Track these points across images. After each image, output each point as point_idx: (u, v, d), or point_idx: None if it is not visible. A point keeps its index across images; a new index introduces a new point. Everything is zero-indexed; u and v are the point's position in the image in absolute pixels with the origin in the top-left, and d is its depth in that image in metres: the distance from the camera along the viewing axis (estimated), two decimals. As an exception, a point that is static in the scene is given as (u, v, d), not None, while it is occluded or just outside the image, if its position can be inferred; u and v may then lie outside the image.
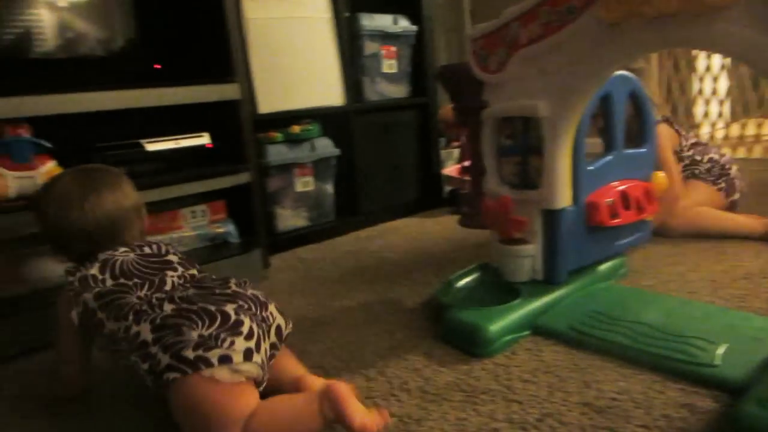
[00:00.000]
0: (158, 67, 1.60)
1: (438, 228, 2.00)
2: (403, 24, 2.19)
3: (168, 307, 0.83)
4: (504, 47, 1.16)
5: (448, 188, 2.34)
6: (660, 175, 1.39)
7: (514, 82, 1.17)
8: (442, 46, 3.06)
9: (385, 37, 2.14)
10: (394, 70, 2.20)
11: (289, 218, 1.91)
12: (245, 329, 0.81)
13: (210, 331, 0.79)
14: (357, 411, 0.76)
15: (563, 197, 1.17)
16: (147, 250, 0.99)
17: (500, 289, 1.21)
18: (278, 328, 0.89)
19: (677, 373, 0.91)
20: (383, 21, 2.12)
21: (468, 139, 1.31)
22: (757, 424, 0.74)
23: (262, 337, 0.84)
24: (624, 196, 1.28)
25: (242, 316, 0.83)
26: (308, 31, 1.94)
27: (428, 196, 2.32)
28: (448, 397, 0.91)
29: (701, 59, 3.08)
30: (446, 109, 2.39)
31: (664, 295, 1.23)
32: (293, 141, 1.88)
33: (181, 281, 0.94)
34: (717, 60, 2.98)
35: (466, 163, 1.92)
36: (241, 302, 0.86)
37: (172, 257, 1.00)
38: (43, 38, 1.38)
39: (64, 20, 1.41)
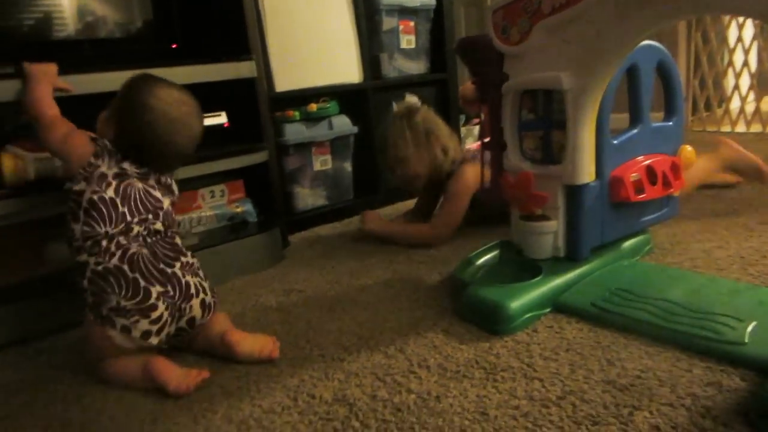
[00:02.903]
0: (175, 46, 1.60)
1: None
2: (422, -2, 2.14)
3: (113, 262, 0.99)
4: (526, 17, 1.12)
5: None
6: (688, 149, 1.35)
7: (536, 53, 1.13)
8: (462, 20, 3.00)
9: (404, 11, 2.10)
10: (412, 46, 2.16)
11: (308, 197, 1.90)
12: (155, 315, 0.98)
13: (126, 303, 0.97)
14: (172, 377, 0.92)
15: (586, 172, 1.14)
16: (161, 180, 1.10)
17: (521, 266, 1.19)
18: (191, 319, 1.03)
19: (704, 351, 0.89)
20: (402, -5, 2.08)
21: (488, 114, 1.28)
22: (788, 402, 0.71)
23: (168, 322, 1.00)
24: (650, 171, 1.24)
25: (160, 302, 0.99)
26: (325, 7, 1.91)
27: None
28: (468, 374, 0.91)
29: (732, 30, 2.97)
30: (466, 86, 2.34)
31: (691, 273, 1.20)
32: (310, 119, 1.86)
33: (145, 232, 1.05)
34: (749, 31, 2.87)
35: (486, 139, 1.88)
36: (169, 287, 1.01)
37: (166, 203, 1.10)
38: (64, 21, 1.39)
39: (83, 3, 1.41)
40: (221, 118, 1.56)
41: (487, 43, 1.20)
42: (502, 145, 1.25)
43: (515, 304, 1.03)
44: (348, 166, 2.00)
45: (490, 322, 1.04)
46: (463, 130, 2.39)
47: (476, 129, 2.46)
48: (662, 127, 1.32)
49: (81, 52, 1.43)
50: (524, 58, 1.16)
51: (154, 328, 0.98)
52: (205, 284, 1.07)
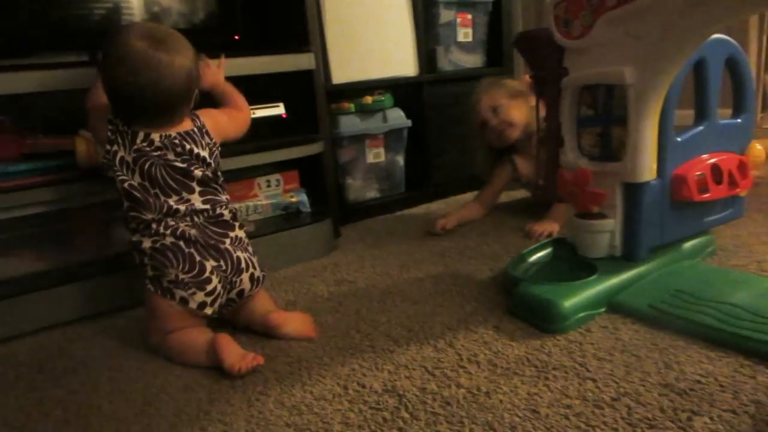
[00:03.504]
0: (237, 38, 1.63)
1: (511, 201, 1.95)
2: (481, -10, 2.12)
3: (168, 240, 1.05)
4: (589, 10, 1.10)
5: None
6: (757, 147, 1.29)
7: (599, 47, 1.10)
8: (520, 13, 2.95)
9: (462, 4, 2.08)
10: (469, 39, 2.14)
11: (360, 189, 1.92)
12: (210, 287, 1.05)
13: (184, 276, 1.04)
14: (230, 356, 0.96)
15: (647, 170, 1.11)
16: (178, 150, 1.08)
17: (575, 264, 1.16)
18: (240, 291, 1.10)
19: (769, 358, 0.85)
20: (460, -12, 2.07)
21: (546, 110, 1.26)
22: None
23: (221, 295, 1.08)
24: (715, 170, 1.20)
25: (214, 276, 1.06)
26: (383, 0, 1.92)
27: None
28: (519, 371, 0.90)
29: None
30: (521, 79, 2.31)
31: (757, 276, 1.14)
32: (365, 112, 1.87)
33: (190, 211, 1.08)
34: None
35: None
36: (222, 262, 1.07)
37: (197, 172, 1.09)
38: (131, 12, 1.45)
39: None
40: (279, 109, 1.59)
41: (547, 37, 1.18)
42: (559, 141, 1.23)
43: (568, 303, 1.01)
44: (401, 160, 2.00)
45: (542, 319, 1.02)
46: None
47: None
48: (730, 125, 1.27)
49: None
50: (586, 52, 1.13)
51: (209, 299, 1.06)
52: (254, 259, 1.14)
